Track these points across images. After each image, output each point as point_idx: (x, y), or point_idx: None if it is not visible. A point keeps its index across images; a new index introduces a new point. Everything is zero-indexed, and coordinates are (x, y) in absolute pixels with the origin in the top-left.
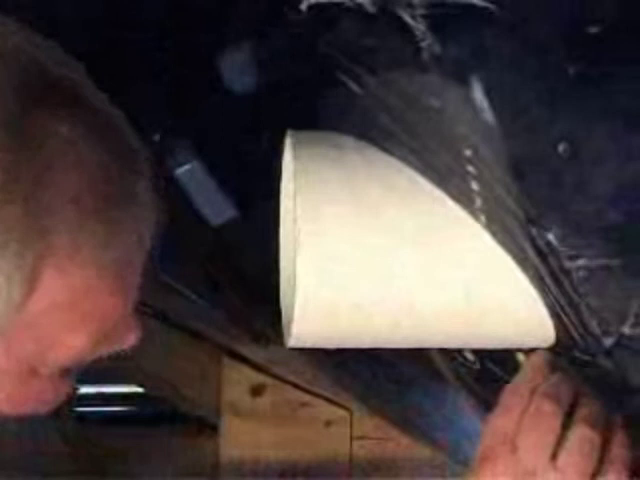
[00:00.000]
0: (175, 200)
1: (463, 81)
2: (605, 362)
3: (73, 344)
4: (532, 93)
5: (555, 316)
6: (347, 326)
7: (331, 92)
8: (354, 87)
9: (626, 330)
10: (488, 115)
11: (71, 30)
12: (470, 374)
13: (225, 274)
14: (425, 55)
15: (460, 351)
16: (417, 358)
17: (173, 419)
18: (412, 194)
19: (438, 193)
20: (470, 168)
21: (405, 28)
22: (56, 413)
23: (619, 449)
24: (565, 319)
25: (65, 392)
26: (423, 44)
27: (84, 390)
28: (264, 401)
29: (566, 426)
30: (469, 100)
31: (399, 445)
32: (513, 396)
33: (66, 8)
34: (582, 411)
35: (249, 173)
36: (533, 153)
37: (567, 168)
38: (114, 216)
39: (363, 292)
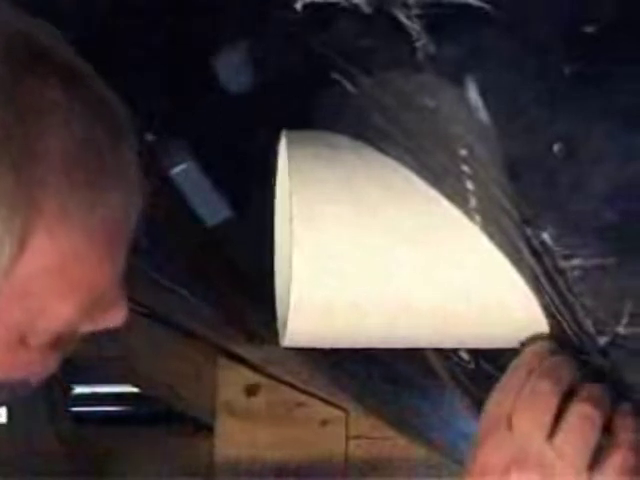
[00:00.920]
0: (170, 200)
1: (458, 81)
2: (600, 362)
3: (61, 312)
4: (528, 93)
5: (550, 316)
6: (343, 326)
7: (326, 92)
8: (349, 87)
9: (621, 330)
10: (483, 115)
11: (64, 29)
12: (465, 373)
13: (220, 273)
14: (420, 55)
15: (455, 350)
16: (413, 358)
17: (168, 419)
18: (408, 194)
19: (434, 193)
20: (465, 168)
21: (400, 28)
22: (52, 413)
23: (627, 434)
24: (560, 318)
25: (53, 366)
26: (418, 44)
27: (79, 390)
28: (259, 401)
29: (566, 407)
30: (464, 100)
31: (395, 445)
32: (511, 377)
33: (59, 9)
34: (583, 391)
35: (244, 173)
36: (528, 153)
37: (562, 168)
38: (102, 184)
39: (359, 292)
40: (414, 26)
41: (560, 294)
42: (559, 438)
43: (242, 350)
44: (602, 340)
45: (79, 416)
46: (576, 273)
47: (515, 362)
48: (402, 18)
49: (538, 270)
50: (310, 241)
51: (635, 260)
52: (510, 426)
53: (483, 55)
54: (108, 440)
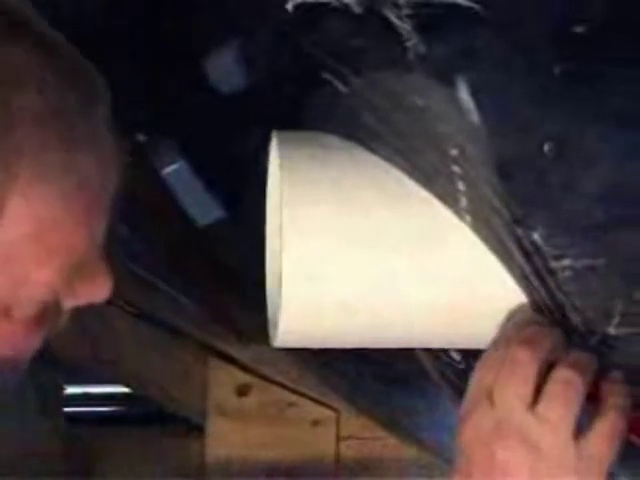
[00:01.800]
0: (163, 199)
1: (449, 81)
2: None
3: (42, 279)
4: (518, 93)
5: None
6: (333, 326)
7: (317, 92)
8: (340, 87)
9: (611, 330)
10: (474, 115)
11: (55, 27)
12: (455, 374)
13: (210, 273)
14: (411, 55)
15: (445, 350)
16: (404, 358)
17: (160, 419)
18: (399, 194)
19: (425, 193)
20: (456, 168)
21: (391, 28)
22: (47, 413)
23: (615, 398)
24: (550, 318)
25: (37, 343)
26: (409, 44)
27: (71, 390)
28: (250, 401)
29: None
30: (455, 100)
31: (386, 445)
32: (492, 352)
33: (50, 8)
34: (565, 357)
35: (235, 173)
36: (519, 153)
37: (552, 168)
38: (75, 149)
39: (349, 292)
40: (405, 26)
41: (551, 294)
42: (541, 406)
43: (233, 350)
44: (593, 340)
45: (71, 416)
46: (567, 273)
47: (495, 337)
48: (393, 18)
49: (528, 270)
50: (300, 242)
51: (625, 260)
52: (492, 401)
53: (474, 55)
54: (99, 440)
